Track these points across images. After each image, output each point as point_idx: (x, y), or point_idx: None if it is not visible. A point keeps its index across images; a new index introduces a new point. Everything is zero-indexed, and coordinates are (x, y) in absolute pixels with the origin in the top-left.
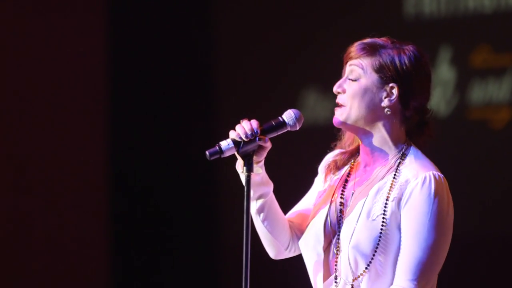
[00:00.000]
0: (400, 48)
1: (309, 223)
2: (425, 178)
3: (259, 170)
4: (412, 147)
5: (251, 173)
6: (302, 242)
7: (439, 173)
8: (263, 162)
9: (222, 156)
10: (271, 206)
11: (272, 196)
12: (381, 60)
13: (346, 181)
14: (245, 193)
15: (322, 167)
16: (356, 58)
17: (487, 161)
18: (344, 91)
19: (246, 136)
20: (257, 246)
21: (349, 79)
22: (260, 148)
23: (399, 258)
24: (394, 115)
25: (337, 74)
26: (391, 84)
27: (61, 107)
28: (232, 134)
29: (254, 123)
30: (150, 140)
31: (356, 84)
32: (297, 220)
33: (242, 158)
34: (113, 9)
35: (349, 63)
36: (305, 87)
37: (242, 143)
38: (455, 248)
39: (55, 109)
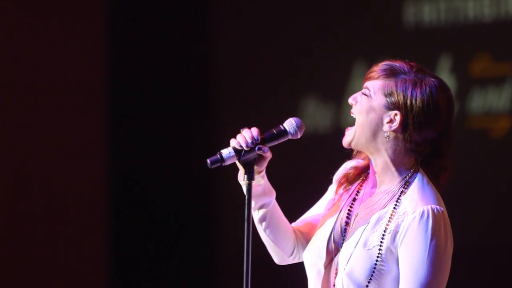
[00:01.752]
0: (420, 79)
1: (314, 236)
2: (423, 212)
3: (261, 180)
4: (418, 174)
5: (252, 181)
6: (305, 255)
7: (438, 207)
8: (264, 172)
9: (223, 164)
10: (274, 215)
11: (274, 205)
12: (393, 86)
13: (354, 199)
14: (246, 201)
15: (335, 179)
16: (375, 79)
17: (487, 170)
18: (356, 104)
19: (247, 145)
20: (258, 255)
21: (363, 94)
22: (261, 157)
23: None
24: (396, 142)
25: (337, 82)
26: (395, 111)
27: (60, 110)
28: (233, 142)
29: (255, 131)
30: (150, 147)
31: (365, 99)
32: (305, 229)
33: (243, 166)
34: (112, 12)
35: (367, 81)
36: (304, 95)
37: (243, 152)
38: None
39: (54, 112)
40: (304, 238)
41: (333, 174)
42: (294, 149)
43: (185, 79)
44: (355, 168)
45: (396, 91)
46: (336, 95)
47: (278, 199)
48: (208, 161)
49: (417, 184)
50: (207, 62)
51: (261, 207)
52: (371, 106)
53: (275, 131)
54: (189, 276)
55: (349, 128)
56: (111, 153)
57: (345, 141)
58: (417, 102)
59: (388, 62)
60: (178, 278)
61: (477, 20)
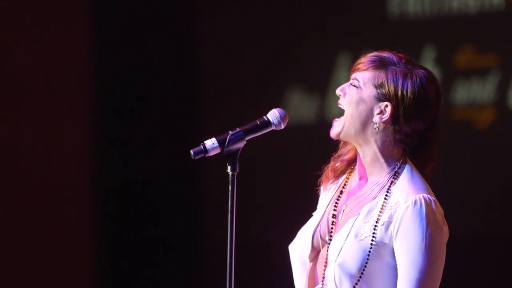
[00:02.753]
0: (410, 71)
1: (301, 230)
2: (415, 201)
3: None
4: (407, 165)
5: (236, 172)
6: (291, 248)
7: (429, 196)
8: None
9: (207, 155)
10: None
11: None
12: (383, 77)
13: (341, 192)
14: (229, 192)
15: (321, 179)
16: (364, 70)
17: (471, 162)
18: (344, 95)
19: None
20: (241, 246)
21: (352, 85)
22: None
23: (398, 286)
24: (385, 133)
25: (322, 73)
26: (386, 103)
27: (46, 105)
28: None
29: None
30: (136, 140)
31: (355, 91)
32: None
33: (227, 157)
34: (99, 8)
35: (355, 72)
36: (289, 87)
37: (226, 143)
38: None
39: (41, 108)
40: None
41: (318, 166)
42: (279, 140)
43: (169, 71)
44: (341, 161)
45: (387, 82)
46: (321, 86)
47: (262, 189)
48: (192, 152)
49: (407, 175)
50: (191, 53)
51: None
52: (361, 97)
53: (258, 122)
54: (174, 269)
55: (336, 119)
56: (97, 149)
57: (334, 133)
58: (408, 93)
59: (376, 53)
60: (163, 270)
61: (461, 11)
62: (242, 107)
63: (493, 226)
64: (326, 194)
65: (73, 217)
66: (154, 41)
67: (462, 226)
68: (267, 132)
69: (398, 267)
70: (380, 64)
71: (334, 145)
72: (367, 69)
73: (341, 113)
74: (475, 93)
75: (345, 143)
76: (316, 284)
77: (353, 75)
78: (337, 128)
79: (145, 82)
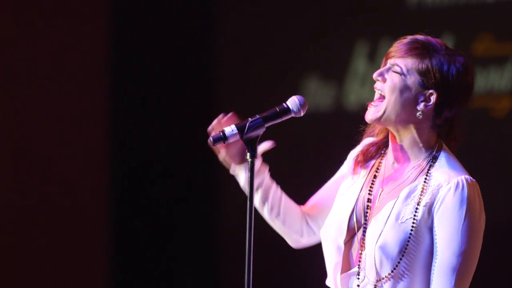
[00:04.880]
0: (453, 58)
1: (332, 214)
2: (457, 183)
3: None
4: (443, 150)
5: (255, 159)
6: (323, 232)
7: (471, 178)
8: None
9: (226, 142)
10: (275, 194)
11: (271, 182)
12: (429, 65)
13: (375, 176)
14: (249, 179)
15: (350, 158)
16: (404, 56)
17: (488, 150)
18: (384, 81)
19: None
20: (260, 240)
21: (394, 71)
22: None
23: (434, 266)
24: (426, 120)
25: (339, 61)
26: (431, 90)
27: (62, 106)
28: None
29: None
30: (151, 136)
31: (398, 77)
32: (313, 210)
33: (246, 144)
34: (115, 7)
35: (394, 58)
36: (306, 75)
37: (245, 129)
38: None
39: (55, 107)
40: (311, 218)
41: (335, 154)
42: (296, 128)
43: (187, 60)
44: (371, 144)
45: (433, 69)
46: (338, 74)
47: (279, 178)
48: (211, 138)
49: (445, 158)
50: (208, 42)
51: (257, 187)
52: (405, 84)
53: (278, 109)
54: (190, 265)
55: (373, 103)
56: (112, 144)
57: (372, 117)
58: (454, 81)
59: (415, 39)
60: (179, 266)
61: (479, 0)
62: (260, 95)
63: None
64: (358, 178)
65: (89, 214)
66: (170, 32)
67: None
68: (285, 120)
69: (434, 246)
70: (423, 51)
71: (350, 134)
72: (408, 56)
73: (373, 97)
74: (492, 81)
75: (374, 126)
76: (350, 268)
77: (392, 61)
78: (376, 113)
79: (162, 69)
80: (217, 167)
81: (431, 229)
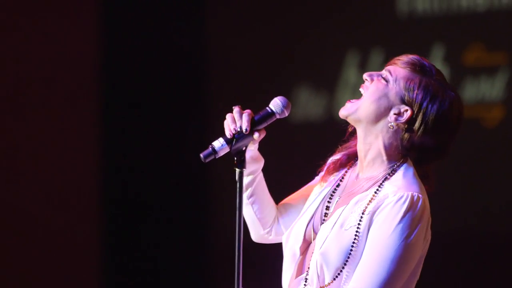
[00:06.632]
0: (443, 89)
1: (296, 220)
2: (401, 196)
3: (251, 146)
4: (406, 164)
5: (244, 169)
6: (284, 238)
7: (419, 194)
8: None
9: (217, 157)
10: (260, 184)
11: (261, 175)
12: (417, 83)
13: (338, 185)
14: (238, 189)
15: (321, 169)
16: (401, 67)
17: (479, 160)
18: (370, 81)
19: (246, 130)
20: (249, 243)
21: (382, 77)
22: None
23: (357, 267)
24: (395, 136)
25: (330, 71)
26: (407, 107)
27: (54, 107)
28: (228, 128)
29: (248, 115)
30: (143, 138)
31: (383, 84)
32: (283, 209)
33: (234, 155)
34: (106, 7)
35: (393, 65)
36: (297, 84)
37: (234, 141)
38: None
39: (48, 108)
40: (282, 217)
41: (326, 162)
42: (287, 137)
43: (177, 70)
44: (344, 154)
45: (418, 89)
46: (329, 84)
47: (269, 188)
48: (202, 155)
49: (403, 172)
50: (199, 51)
51: (248, 174)
52: (387, 93)
53: (262, 114)
54: (181, 267)
55: (352, 100)
56: (104, 147)
57: (344, 112)
58: (433, 110)
59: (419, 58)
60: (170, 268)
61: (470, 9)
62: (250, 105)
63: (505, 223)
64: (326, 186)
65: (80, 217)
66: (161, 41)
67: (470, 223)
68: (277, 130)
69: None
70: (419, 69)
71: (341, 143)
72: (404, 68)
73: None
74: (483, 91)
75: (354, 138)
76: (300, 274)
77: (390, 67)
78: (349, 109)
79: (153, 80)
80: (210, 169)
81: None
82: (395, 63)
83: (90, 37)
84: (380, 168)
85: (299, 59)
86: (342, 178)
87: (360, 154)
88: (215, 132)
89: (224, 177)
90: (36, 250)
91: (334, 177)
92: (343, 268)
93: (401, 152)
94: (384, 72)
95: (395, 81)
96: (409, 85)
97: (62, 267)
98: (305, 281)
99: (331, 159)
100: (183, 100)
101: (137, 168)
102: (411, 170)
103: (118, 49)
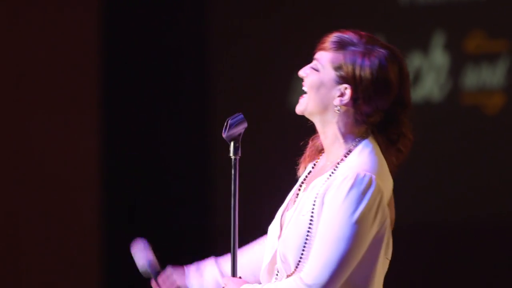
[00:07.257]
0: (369, 51)
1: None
2: (347, 176)
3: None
4: (364, 142)
5: (238, 156)
6: (268, 229)
7: (366, 172)
8: None
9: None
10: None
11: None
12: (342, 59)
13: (309, 173)
14: (232, 176)
15: (300, 160)
16: (325, 50)
17: (480, 147)
18: (306, 76)
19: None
20: (245, 233)
21: (312, 67)
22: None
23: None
24: (346, 115)
25: None
26: (345, 85)
27: (54, 106)
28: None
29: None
30: (143, 138)
31: (315, 75)
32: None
33: (229, 142)
34: (106, 5)
35: (318, 51)
36: (296, 78)
37: (228, 127)
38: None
39: (48, 108)
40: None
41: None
42: (285, 128)
43: (177, 65)
44: (316, 143)
45: (345, 64)
46: None
47: (270, 183)
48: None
49: (359, 151)
50: (202, 45)
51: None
52: (321, 81)
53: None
54: (180, 249)
55: (304, 95)
56: (103, 143)
57: (297, 110)
58: (366, 74)
59: (337, 34)
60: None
61: None
62: (250, 105)
63: (505, 211)
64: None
65: (83, 214)
66: (162, 38)
67: (472, 210)
68: (272, 120)
69: None
70: (340, 45)
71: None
72: (328, 50)
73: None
74: (484, 78)
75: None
76: (274, 264)
77: (315, 56)
78: (300, 107)
79: (153, 80)
80: (210, 167)
81: None
82: (320, 49)
83: (90, 37)
84: (339, 151)
85: (299, 47)
86: (314, 165)
87: (323, 143)
88: (215, 132)
89: (226, 177)
90: (36, 250)
91: (310, 167)
92: (302, 255)
93: (358, 127)
94: (313, 62)
95: (324, 67)
96: (336, 64)
97: (62, 267)
98: (277, 271)
99: (308, 147)
100: (183, 100)
101: (137, 168)
102: (368, 148)
103: (118, 49)
